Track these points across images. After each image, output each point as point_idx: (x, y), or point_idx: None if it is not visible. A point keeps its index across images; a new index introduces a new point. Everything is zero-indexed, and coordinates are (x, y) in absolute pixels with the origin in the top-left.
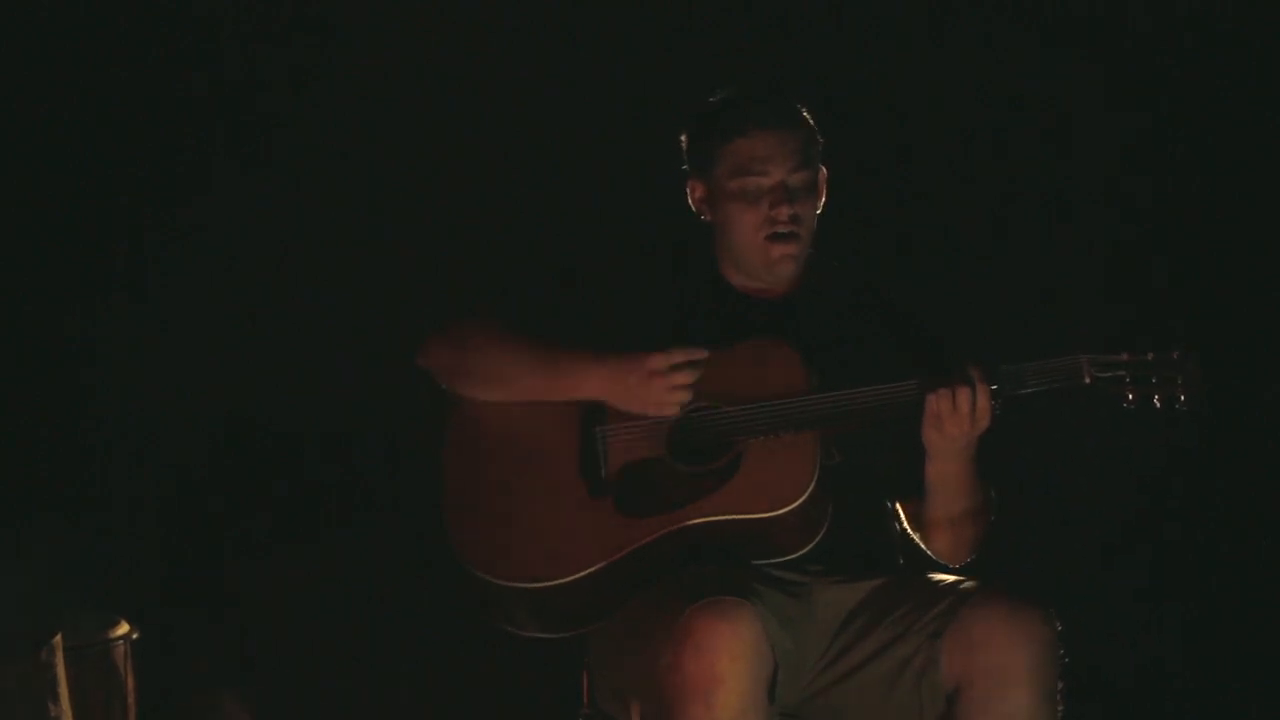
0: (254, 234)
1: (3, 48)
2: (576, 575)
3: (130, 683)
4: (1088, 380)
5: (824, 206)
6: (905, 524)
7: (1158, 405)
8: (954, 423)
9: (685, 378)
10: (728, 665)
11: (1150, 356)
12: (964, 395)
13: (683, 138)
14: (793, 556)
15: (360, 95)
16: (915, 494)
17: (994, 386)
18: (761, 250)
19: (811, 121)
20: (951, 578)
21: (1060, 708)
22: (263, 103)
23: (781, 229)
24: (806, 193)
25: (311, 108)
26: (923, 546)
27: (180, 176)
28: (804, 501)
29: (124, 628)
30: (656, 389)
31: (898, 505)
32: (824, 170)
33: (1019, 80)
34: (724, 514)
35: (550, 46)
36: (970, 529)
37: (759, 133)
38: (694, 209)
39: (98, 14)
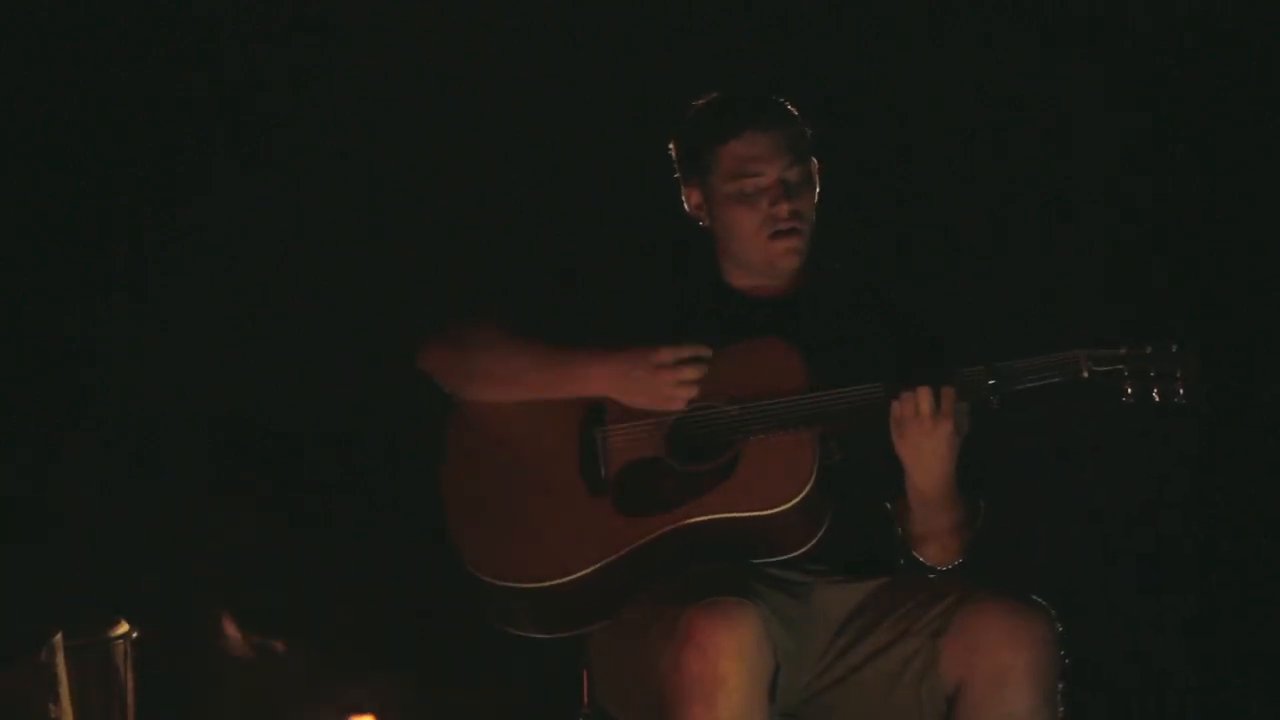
0: (254, 234)
1: (3, 47)
2: (576, 575)
3: (130, 683)
4: (1086, 375)
5: (820, 199)
6: (898, 527)
7: (1156, 400)
8: (916, 427)
9: (692, 373)
10: (728, 665)
11: (1148, 351)
12: (925, 397)
13: (671, 146)
14: (793, 555)
15: (360, 95)
16: (902, 495)
17: (992, 382)
18: (765, 249)
19: (800, 115)
20: (952, 578)
21: (1061, 708)
22: (263, 103)
23: (783, 226)
24: (804, 187)
25: (311, 108)
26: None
27: (180, 176)
28: (803, 499)
29: (124, 628)
30: (663, 383)
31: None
32: (816, 162)
33: (1019, 80)
34: (723, 512)
35: (550, 46)
36: (956, 539)
37: (750, 134)
38: (691, 215)
39: (98, 14)
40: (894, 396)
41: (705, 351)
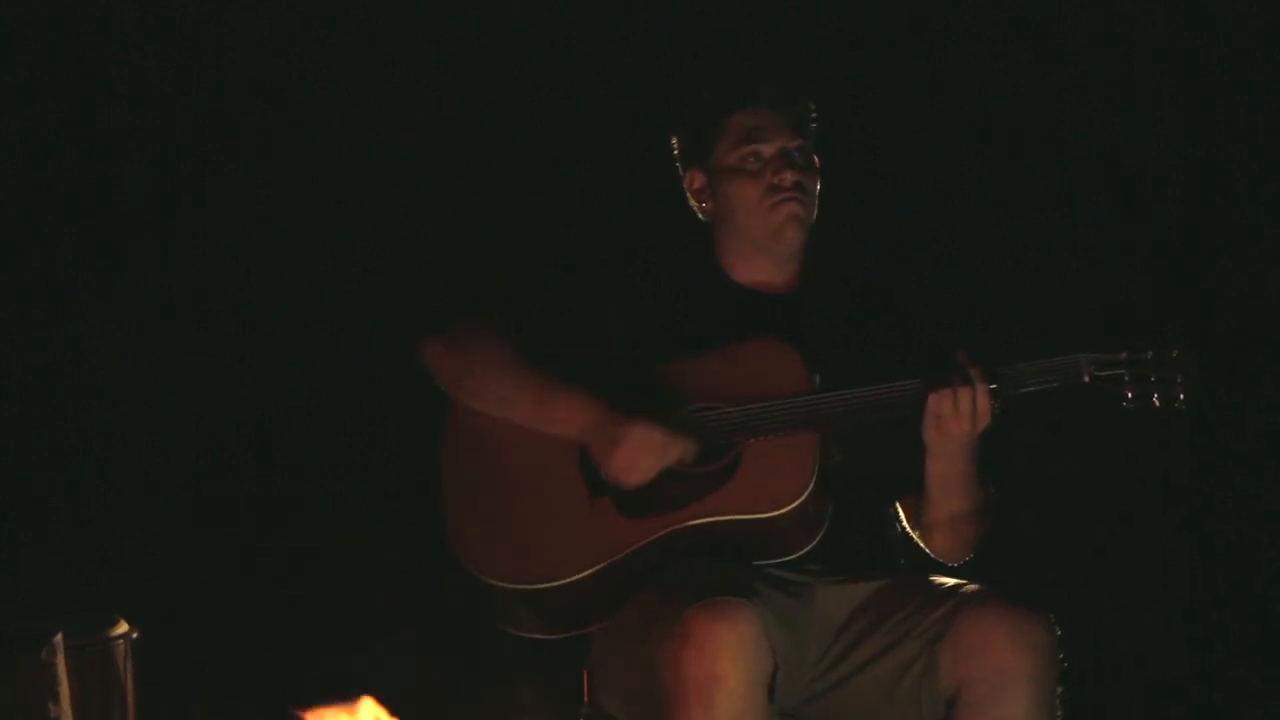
0: (254, 234)
1: (4, 48)
2: (576, 576)
3: (130, 683)
4: (1087, 379)
5: (820, 191)
6: (905, 523)
7: (1157, 404)
8: (955, 422)
9: (651, 459)
10: (727, 665)
11: (1149, 355)
12: (965, 394)
13: (674, 135)
14: (793, 557)
15: (360, 95)
16: (915, 492)
17: (994, 386)
18: (767, 216)
19: (810, 102)
20: (952, 581)
21: (1059, 713)
22: (264, 105)
23: (786, 195)
24: (808, 164)
25: (311, 109)
26: (922, 545)
27: (180, 177)
28: (803, 501)
29: (124, 628)
30: (620, 457)
31: (898, 505)
32: (817, 159)
33: (1019, 80)
34: (723, 514)
35: (551, 47)
36: (970, 528)
37: (758, 107)
38: (693, 201)
39: (99, 15)
40: (933, 390)
41: (680, 458)
